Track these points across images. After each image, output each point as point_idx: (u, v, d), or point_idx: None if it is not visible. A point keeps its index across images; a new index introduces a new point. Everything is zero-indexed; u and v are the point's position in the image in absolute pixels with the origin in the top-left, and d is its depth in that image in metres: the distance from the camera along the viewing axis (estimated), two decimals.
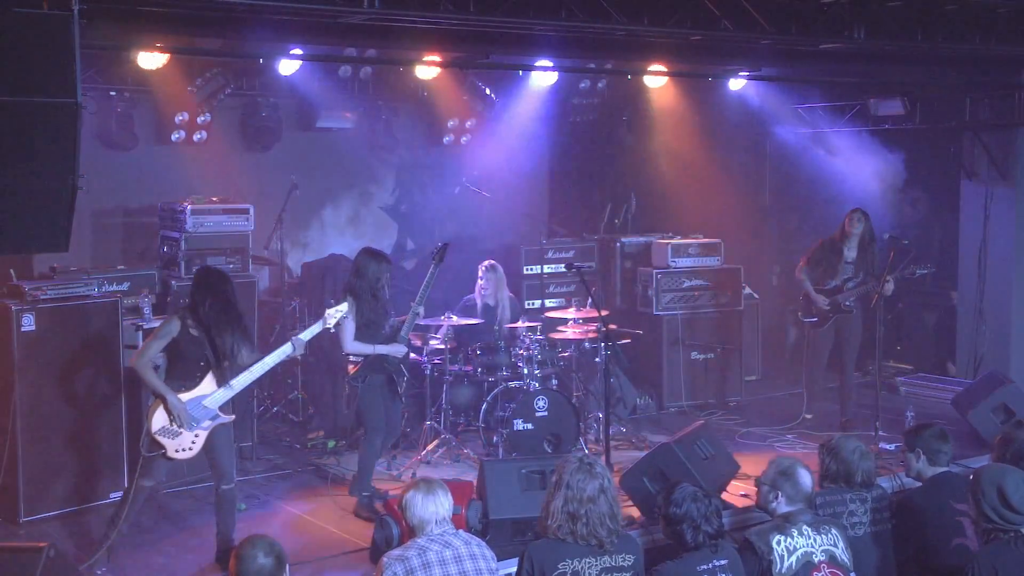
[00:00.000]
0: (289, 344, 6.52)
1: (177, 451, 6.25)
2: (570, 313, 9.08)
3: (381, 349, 7.38)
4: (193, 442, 6.27)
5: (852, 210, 9.28)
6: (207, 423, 6.29)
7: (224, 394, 6.32)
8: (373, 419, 7.40)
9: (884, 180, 11.10)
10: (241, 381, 6.37)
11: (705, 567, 4.77)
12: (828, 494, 5.60)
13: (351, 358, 7.37)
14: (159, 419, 6.19)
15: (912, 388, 10.51)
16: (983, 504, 4.72)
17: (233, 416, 6.42)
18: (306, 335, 6.61)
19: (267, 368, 6.47)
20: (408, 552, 4.60)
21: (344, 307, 6.89)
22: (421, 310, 7.65)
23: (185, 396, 6.22)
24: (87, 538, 6.69)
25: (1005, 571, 4.58)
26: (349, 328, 7.28)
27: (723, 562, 4.82)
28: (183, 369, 6.28)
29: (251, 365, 6.39)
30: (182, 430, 6.21)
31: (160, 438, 6.20)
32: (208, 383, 6.29)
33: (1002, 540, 4.67)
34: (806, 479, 5.24)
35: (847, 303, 9.17)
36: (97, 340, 7.40)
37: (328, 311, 6.75)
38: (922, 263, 9.13)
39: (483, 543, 4.80)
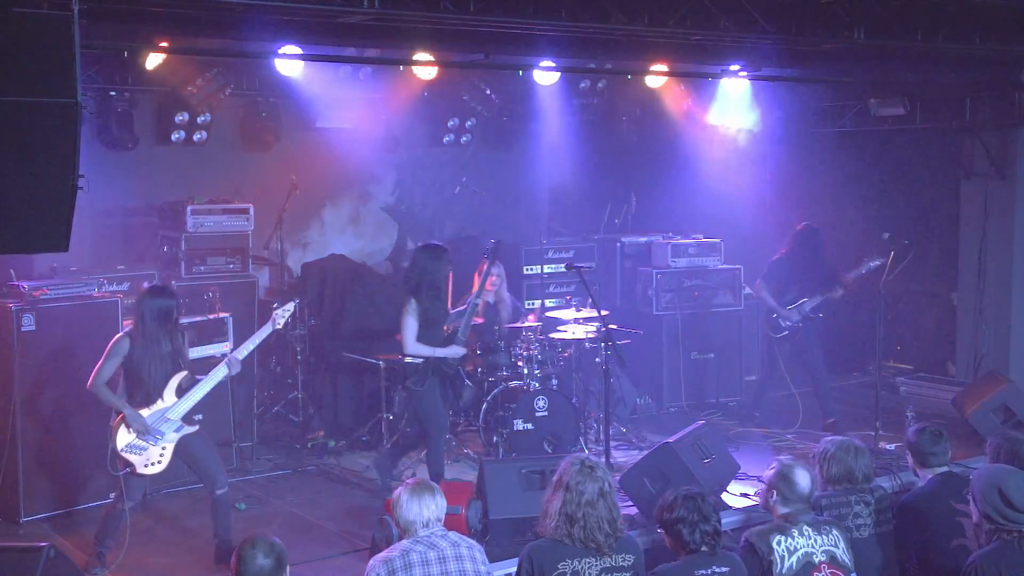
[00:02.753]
0: (243, 349, 6.52)
1: (146, 466, 6.25)
2: (570, 313, 9.08)
3: (440, 352, 7.32)
4: (161, 456, 6.27)
5: (806, 226, 9.40)
6: (172, 435, 6.28)
7: (185, 405, 6.31)
8: (436, 420, 7.38)
9: (883, 180, 11.11)
10: (200, 391, 6.36)
11: (703, 572, 4.76)
12: (833, 496, 5.61)
13: (407, 359, 7.32)
14: (123, 436, 6.19)
15: (912, 388, 10.51)
16: (984, 505, 4.72)
17: (197, 426, 6.39)
18: (249, 344, 6.55)
19: (224, 375, 6.43)
20: (392, 554, 4.61)
21: (291, 306, 6.80)
22: (480, 301, 7.60)
23: (147, 411, 6.23)
24: (87, 538, 6.68)
25: (1009, 572, 4.58)
26: (411, 328, 7.23)
27: (723, 569, 4.79)
28: (141, 385, 6.27)
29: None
30: (147, 444, 6.21)
31: (127, 455, 6.20)
32: (168, 396, 6.29)
33: (1005, 541, 4.67)
34: (803, 480, 5.23)
35: (813, 312, 9.29)
36: (97, 340, 7.37)
37: (276, 312, 6.67)
38: (872, 255, 9.13)
39: (474, 544, 4.79)
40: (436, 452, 7.38)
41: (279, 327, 6.67)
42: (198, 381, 6.39)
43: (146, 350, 6.22)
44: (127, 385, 6.30)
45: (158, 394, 6.27)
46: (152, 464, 6.25)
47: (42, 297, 7.20)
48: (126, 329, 6.35)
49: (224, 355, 6.65)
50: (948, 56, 8.72)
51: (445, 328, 7.48)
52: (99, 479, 7.39)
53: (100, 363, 6.25)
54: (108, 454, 6.22)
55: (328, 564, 6.48)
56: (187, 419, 6.34)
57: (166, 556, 6.64)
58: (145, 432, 6.18)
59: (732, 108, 10.88)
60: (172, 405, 6.29)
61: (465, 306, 7.73)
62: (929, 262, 11.17)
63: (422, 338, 7.26)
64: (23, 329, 7.09)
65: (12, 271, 7.46)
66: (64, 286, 7.42)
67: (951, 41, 7.97)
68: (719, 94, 10.74)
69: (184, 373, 6.36)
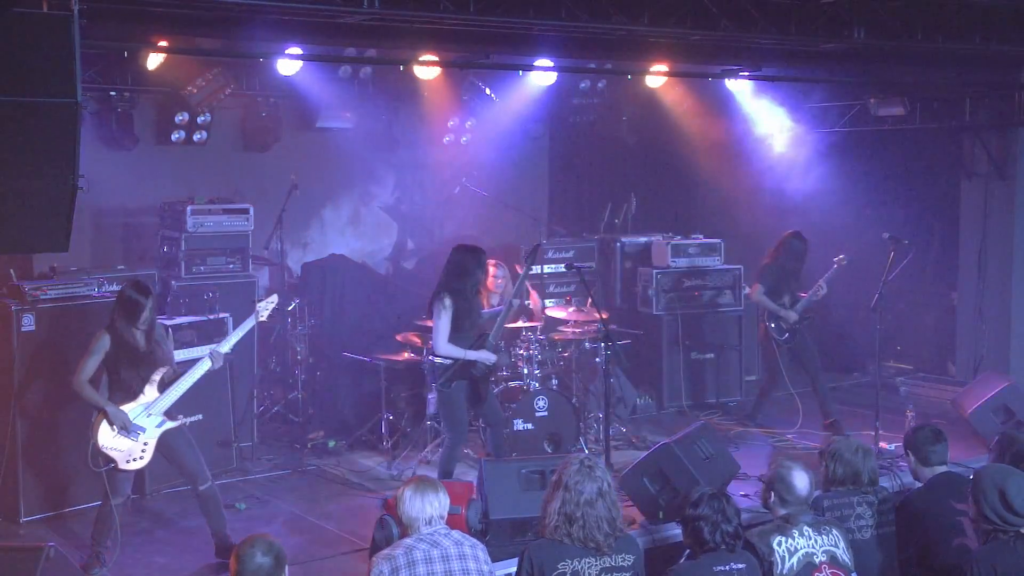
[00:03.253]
0: (226, 343, 6.49)
1: (128, 461, 6.24)
2: (570, 313, 9.07)
3: (472, 355, 7.25)
4: (143, 451, 6.26)
5: (795, 233, 9.42)
6: (154, 431, 6.27)
7: (167, 400, 6.30)
8: (455, 424, 7.33)
9: (883, 180, 11.11)
10: (182, 385, 6.34)
11: (721, 568, 4.77)
12: (836, 497, 5.60)
13: (436, 360, 7.30)
14: (104, 432, 6.18)
15: (912, 388, 10.51)
16: (984, 506, 4.71)
17: (179, 421, 6.39)
18: (233, 338, 6.52)
19: (206, 369, 6.39)
20: (395, 551, 4.61)
21: (274, 298, 6.75)
22: (516, 302, 7.56)
23: (129, 406, 6.22)
24: (87, 538, 6.68)
25: (1004, 570, 4.58)
26: (444, 329, 7.18)
27: (740, 566, 4.80)
28: (123, 381, 6.26)
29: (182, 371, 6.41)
30: (128, 439, 6.20)
31: (108, 451, 6.19)
32: (150, 391, 6.28)
33: (1001, 540, 4.66)
34: (799, 481, 5.20)
35: (803, 315, 9.34)
36: None
37: (259, 304, 6.65)
38: (841, 256, 9.29)
39: (477, 543, 4.78)
40: (449, 453, 7.35)
41: (263, 319, 6.67)
42: (180, 375, 6.38)
43: (125, 346, 6.23)
44: (109, 381, 6.30)
45: (140, 389, 6.27)
46: (134, 460, 6.25)
47: (42, 297, 7.19)
48: (106, 324, 6.35)
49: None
50: (948, 56, 8.72)
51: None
52: (99, 479, 7.38)
53: (82, 360, 6.26)
54: (89, 450, 6.21)
55: (328, 564, 6.48)
56: (169, 414, 6.33)
57: (165, 556, 6.63)
58: (126, 428, 6.18)
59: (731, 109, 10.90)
60: (154, 400, 6.28)
61: (499, 307, 7.68)
62: (929, 262, 11.17)
63: (453, 339, 7.22)
64: (23, 329, 7.08)
65: (12, 271, 7.46)
66: (64, 286, 7.41)
67: (951, 41, 7.98)
68: (718, 95, 10.74)
69: (166, 368, 6.36)
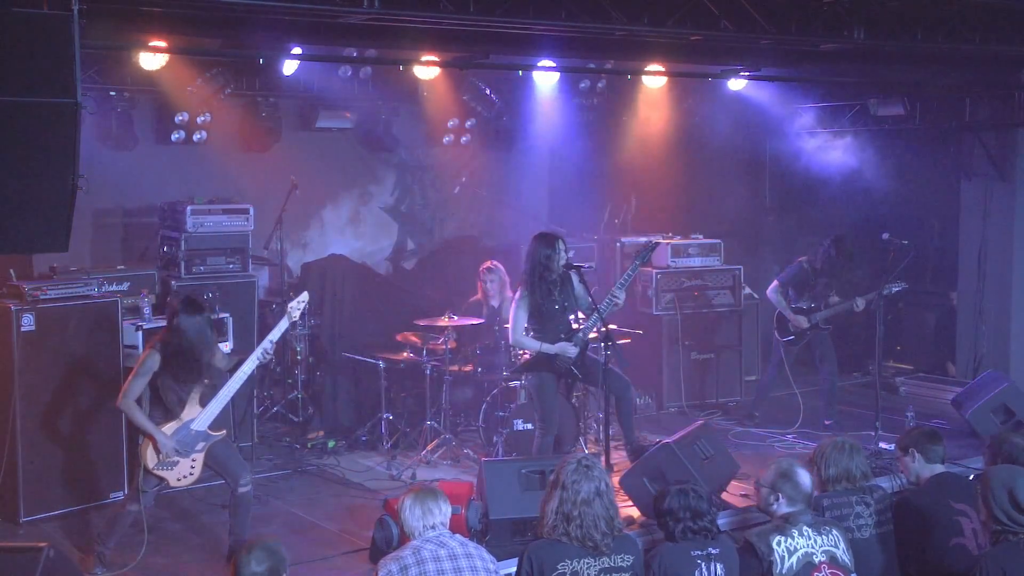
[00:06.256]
0: (260, 349, 6.36)
1: (179, 479, 6.23)
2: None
3: (548, 348, 7.17)
4: (192, 468, 6.24)
5: (836, 238, 9.26)
6: (200, 445, 6.24)
7: (209, 414, 6.25)
8: (544, 411, 7.22)
9: (883, 180, 11.11)
10: (223, 397, 6.28)
11: (699, 552, 4.92)
12: (834, 496, 5.61)
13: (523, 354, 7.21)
14: (152, 456, 6.15)
15: (912, 388, 10.51)
16: (993, 506, 4.72)
17: (223, 432, 6.35)
18: (274, 336, 6.38)
19: (244, 378, 6.33)
20: (403, 552, 4.65)
21: (304, 296, 6.57)
22: (621, 300, 7.36)
23: (171, 426, 6.16)
24: (87, 538, 6.69)
25: (1013, 572, 4.58)
26: (518, 319, 7.11)
27: (716, 551, 4.93)
28: (167, 399, 6.20)
29: (230, 373, 6.33)
30: (178, 459, 6.18)
31: (158, 472, 6.17)
32: (192, 407, 6.22)
33: (1011, 541, 4.67)
34: (805, 479, 5.27)
35: (823, 323, 9.26)
36: (97, 340, 7.40)
37: (290, 305, 6.47)
38: (896, 280, 9.01)
39: (480, 547, 4.82)
40: (537, 443, 7.29)
41: (295, 319, 6.48)
42: (218, 389, 6.30)
43: (176, 366, 6.13)
44: (151, 398, 6.21)
45: (183, 406, 6.20)
46: (185, 477, 6.24)
47: (42, 297, 7.19)
48: (156, 344, 6.20)
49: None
50: (948, 56, 8.73)
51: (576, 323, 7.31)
52: (99, 479, 7.41)
53: (129, 380, 6.18)
54: (139, 471, 6.18)
55: (328, 564, 6.48)
56: (213, 427, 6.29)
57: (166, 556, 6.63)
58: (180, 451, 6.15)
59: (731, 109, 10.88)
60: (196, 416, 6.21)
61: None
62: (929, 262, 11.18)
63: (535, 331, 7.12)
64: (23, 329, 7.08)
65: (12, 271, 7.46)
66: (64, 286, 7.41)
67: (951, 41, 7.98)
68: (718, 95, 10.73)
69: (205, 382, 6.27)
